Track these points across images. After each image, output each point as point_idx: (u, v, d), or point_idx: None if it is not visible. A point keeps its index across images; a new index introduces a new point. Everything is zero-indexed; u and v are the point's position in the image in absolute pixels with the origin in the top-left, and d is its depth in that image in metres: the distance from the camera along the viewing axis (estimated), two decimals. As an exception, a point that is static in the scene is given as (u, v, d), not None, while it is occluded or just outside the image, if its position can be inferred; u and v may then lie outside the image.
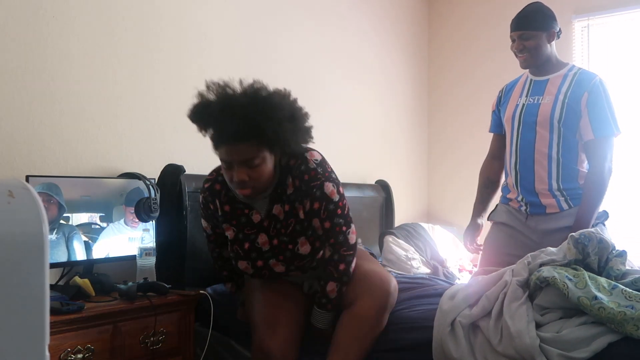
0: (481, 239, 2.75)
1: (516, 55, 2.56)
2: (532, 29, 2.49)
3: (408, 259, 3.04)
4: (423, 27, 4.66)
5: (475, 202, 2.78)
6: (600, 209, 2.45)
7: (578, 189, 2.44)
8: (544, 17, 2.53)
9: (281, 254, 2.02)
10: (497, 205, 2.70)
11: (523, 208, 2.52)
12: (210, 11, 2.99)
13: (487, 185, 2.74)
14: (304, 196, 1.98)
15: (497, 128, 2.71)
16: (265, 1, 3.30)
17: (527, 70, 2.62)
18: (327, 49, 3.72)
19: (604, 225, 2.46)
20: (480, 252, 2.67)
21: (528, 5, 2.60)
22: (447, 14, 4.61)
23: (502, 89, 2.72)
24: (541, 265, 1.89)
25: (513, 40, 2.55)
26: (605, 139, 2.42)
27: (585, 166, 2.47)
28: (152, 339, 2.09)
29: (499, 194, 2.72)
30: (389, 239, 3.31)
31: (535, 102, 2.51)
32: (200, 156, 2.90)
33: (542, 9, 2.57)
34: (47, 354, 1.06)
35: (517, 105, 2.56)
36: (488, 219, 2.70)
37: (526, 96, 2.55)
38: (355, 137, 3.93)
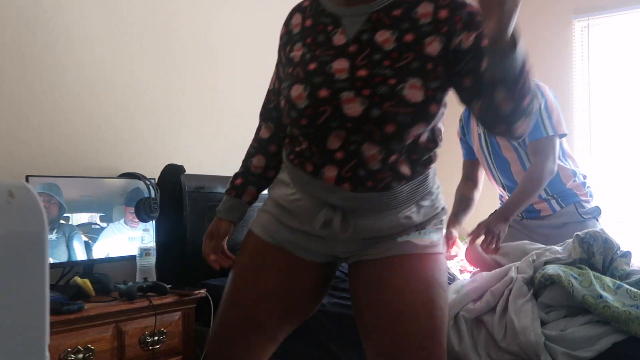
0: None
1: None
2: None
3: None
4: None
5: (450, 215, 2.74)
6: (593, 204, 2.47)
7: (566, 190, 2.47)
8: None
9: (369, 88, 1.26)
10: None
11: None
12: (214, 14, 2.99)
13: (462, 201, 2.72)
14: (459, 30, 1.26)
15: (470, 155, 2.70)
16: (270, 8, 3.29)
17: None
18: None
19: (597, 220, 2.47)
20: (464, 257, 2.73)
21: None
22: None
23: (461, 117, 2.68)
24: (546, 263, 1.89)
25: None
26: (540, 142, 2.37)
27: (564, 165, 2.48)
28: (152, 339, 2.09)
29: (473, 209, 2.72)
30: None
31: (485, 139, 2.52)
32: (200, 156, 2.90)
33: None
34: (47, 354, 1.05)
35: (479, 135, 2.56)
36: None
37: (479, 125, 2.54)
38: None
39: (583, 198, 2.48)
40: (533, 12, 4.18)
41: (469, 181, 2.73)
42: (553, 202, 2.47)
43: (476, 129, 2.58)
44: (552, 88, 4.30)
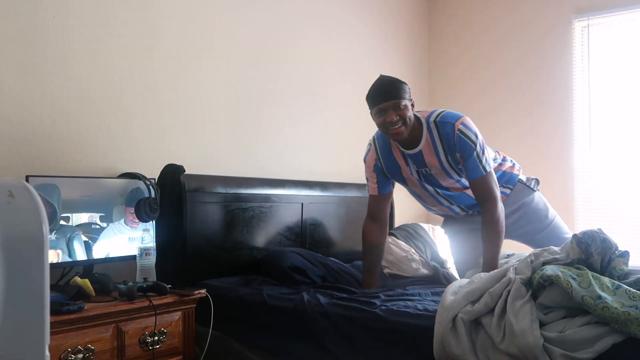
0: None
1: (387, 131, 2.40)
2: (402, 97, 2.37)
3: (408, 260, 3.03)
4: (423, 28, 4.65)
5: (364, 270, 2.70)
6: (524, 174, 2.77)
7: (505, 173, 2.66)
8: (405, 85, 2.44)
9: None
10: (443, 222, 2.92)
11: (464, 212, 2.71)
12: (212, 12, 2.99)
13: (372, 251, 2.66)
14: None
15: (383, 189, 2.65)
16: (269, 4, 3.30)
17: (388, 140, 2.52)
18: (329, 51, 3.71)
19: (538, 190, 2.73)
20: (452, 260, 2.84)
21: (383, 77, 2.48)
22: (447, 16, 4.61)
23: (377, 156, 2.61)
24: (544, 264, 1.89)
25: (381, 113, 2.38)
26: (482, 180, 2.44)
27: (499, 163, 2.66)
28: (152, 339, 2.09)
29: (383, 258, 2.76)
30: (389, 239, 3.29)
31: (427, 172, 2.52)
32: (200, 156, 2.90)
33: (398, 80, 2.47)
34: (47, 354, 1.06)
35: (416, 172, 2.55)
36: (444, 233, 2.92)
37: (413, 164, 2.52)
38: (356, 137, 3.93)
39: (517, 172, 2.71)
40: (533, 12, 4.18)
41: (375, 223, 2.67)
42: (504, 189, 2.66)
43: (407, 169, 2.55)
44: (552, 88, 4.31)
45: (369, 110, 2.47)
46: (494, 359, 1.78)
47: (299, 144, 3.48)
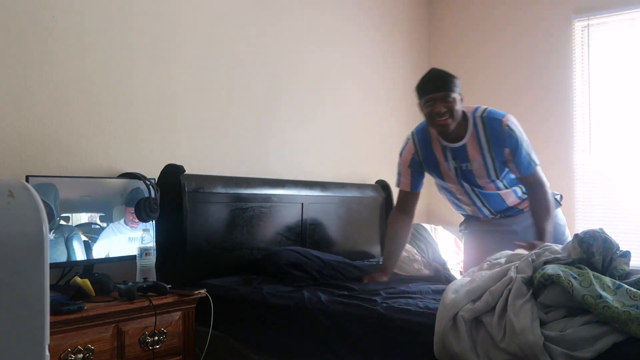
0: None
1: (433, 121, 2.44)
2: (452, 90, 2.42)
3: (410, 260, 3.03)
4: (423, 27, 4.65)
5: (385, 257, 2.79)
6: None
7: None
8: (456, 79, 2.49)
9: None
10: (463, 221, 2.85)
11: (492, 216, 2.69)
12: (212, 12, 2.99)
13: (395, 241, 2.74)
14: None
15: (416, 187, 2.73)
16: (269, 6, 3.29)
17: (430, 131, 2.56)
18: (329, 52, 3.71)
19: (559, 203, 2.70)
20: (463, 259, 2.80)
21: (435, 69, 2.54)
22: (447, 16, 4.61)
23: (415, 151, 2.65)
24: (545, 263, 1.89)
25: (430, 104, 2.42)
26: (534, 175, 2.54)
27: None
28: (152, 339, 2.09)
29: (405, 248, 2.82)
30: (390, 239, 3.30)
31: (466, 168, 2.54)
32: (200, 156, 2.90)
33: (450, 73, 2.51)
34: (47, 354, 1.05)
35: (455, 169, 2.57)
36: (460, 231, 2.87)
37: (453, 159, 2.54)
38: (356, 137, 3.93)
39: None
40: (533, 12, 4.18)
41: (404, 215, 2.75)
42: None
43: (446, 164, 2.58)
44: (552, 88, 4.31)
45: (417, 101, 2.50)
46: (494, 358, 1.78)
47: (299, 144, 3.48)
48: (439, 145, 2.56)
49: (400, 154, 2.73)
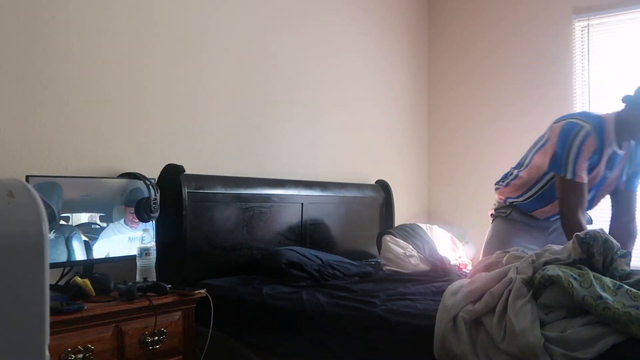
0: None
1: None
2: None
3: (406, 256, 3.04)
4: (423, 27, 4.66)
5: None
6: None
7: None
8: None
9: None
10: (512, 210, 2.62)
11: (552, 219, 2.60)
12: (212, 13, 2.99)
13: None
14: None
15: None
16: (269, 5, 3.30)
17: (611, 132, 2.38)
18: (328, 52, 3.72)
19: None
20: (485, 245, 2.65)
21: None
22: (447, 15, 4.61)
23: (596, 150, 2.37)
24: (545, 263, 1.89)
25: None
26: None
27: None
28: (152, 339, 2.09)
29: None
30: (387, 238, 3.31)
31: (606, 176, 2.43)
32: (200, 156, 2.90)
33: None
34: (47, 354, 1.05)
35: (600, 172, 2.42)
36: (506, 217, 2.63)
37: (604, 164, 2.41)
38: (355, 137, 3.93)
39: None
40: (533, 12, 4.18)
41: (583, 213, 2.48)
42: None
43: (599, 168, 2.40)
44: (552, 88, 4.31)
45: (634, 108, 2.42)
46: (494, 359, 1.78)
47: (299, 144, 3.48)
48: (609, 149, 2.37)
49: (583, 142, 2.31)
